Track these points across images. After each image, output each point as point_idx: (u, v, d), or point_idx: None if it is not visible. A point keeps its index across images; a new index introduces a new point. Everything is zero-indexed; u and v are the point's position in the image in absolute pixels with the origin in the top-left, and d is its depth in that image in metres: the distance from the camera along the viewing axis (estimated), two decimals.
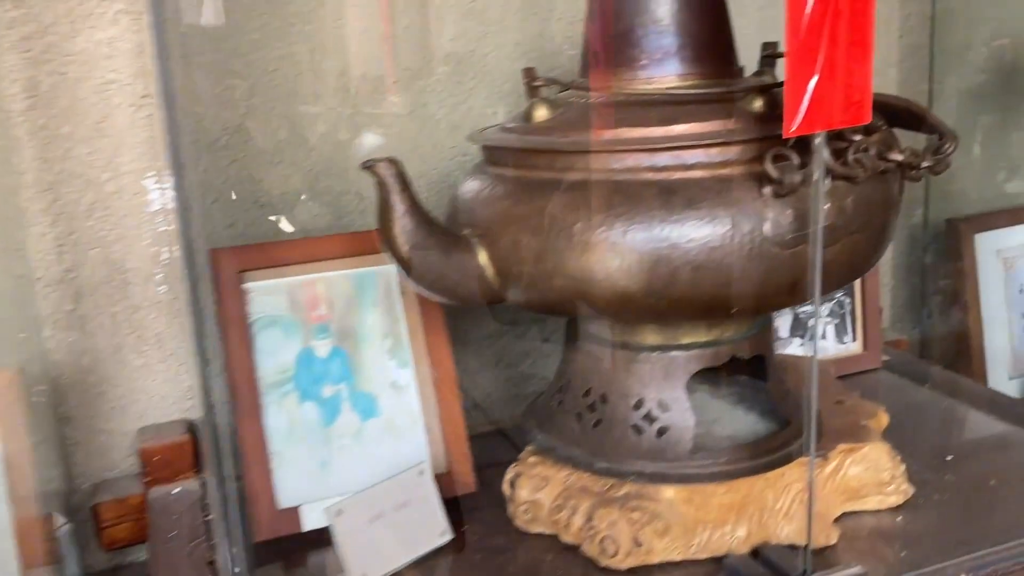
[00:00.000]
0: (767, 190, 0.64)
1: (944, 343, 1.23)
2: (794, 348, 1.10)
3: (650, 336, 0.76)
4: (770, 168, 0.63)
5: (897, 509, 0.81)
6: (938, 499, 0.83)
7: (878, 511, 0.81)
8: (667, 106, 0.69)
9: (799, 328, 1.11)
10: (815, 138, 0.62)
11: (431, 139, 1.00)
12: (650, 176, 0.66)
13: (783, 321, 1.10)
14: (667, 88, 0.72)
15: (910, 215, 1.24)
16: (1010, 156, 1.29)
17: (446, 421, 0.88)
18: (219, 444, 0.64)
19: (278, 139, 0.94)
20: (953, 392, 1.05)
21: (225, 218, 0.94)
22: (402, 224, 0.67)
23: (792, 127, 0.59)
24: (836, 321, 1.12)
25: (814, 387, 0.64)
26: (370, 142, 0.99)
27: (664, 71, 0.72)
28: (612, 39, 0.73)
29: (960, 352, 1.20)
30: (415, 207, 0.68)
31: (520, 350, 1.10)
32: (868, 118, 0.62)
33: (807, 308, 1.10)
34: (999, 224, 1.20)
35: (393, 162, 0.67)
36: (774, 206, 0.64)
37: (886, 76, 1.20)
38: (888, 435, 0.90)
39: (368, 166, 0.67)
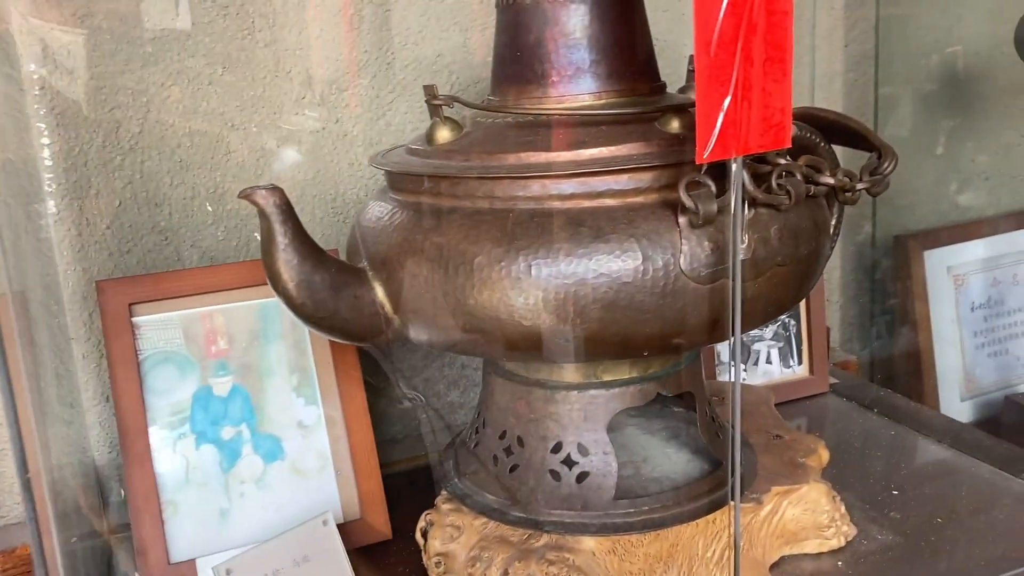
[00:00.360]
0: (682, 220, 0.59)
1: (894, 364, 1.18)
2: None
3: (568, 374, 0.70)
4: (684, 196, 0.57)
5: (838, 552, 0.76)
6: (881, 540, 0.78)
7: (818, 554, 0.76)
8: (577, 127, 0.64)
9: (744, 352, 1.06)
10: (733, 164, 0.56)
11: (347, 157, 0.94)
12: (556, 205, 0.60)
13: (723, 344, 1.04)
14: (579, 107, 0.66)
15: (858, 231, 1.20)
16: (961, 168, 1.25)
17: (358, 463, 0.81)
18: (35, 505, 0.57)
19: (178, 158, 0.88)
20: (902, 418, 1.01)
21: (120, 245, 0.87)
22: (285, 258, 0.61)
23: (705, 153, 0.53)
24: (781, 344, 1.07)
25: (736, 438, 0.59)
26: (284, 159, 0.93)
27: (577, 88, 0.67)
28: (520, 54, 0.67)
29: (911, 373, 1.15)
30: (300, 238, 0.62)
31: (449, 378, 1.04)
32: (788, 142, 0.57)
33: (753, 331, 1.06)
34: (949, 240, 1.16)
35: (274, 190, 0.61)
36: (690, 237, 0.59)
37: (831, 87, 1.16)
38: (833, 466, 0.86)
39: (246, 195, 0.61)
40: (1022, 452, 0.92)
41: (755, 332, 1.05)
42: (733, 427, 0.59)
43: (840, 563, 0.75)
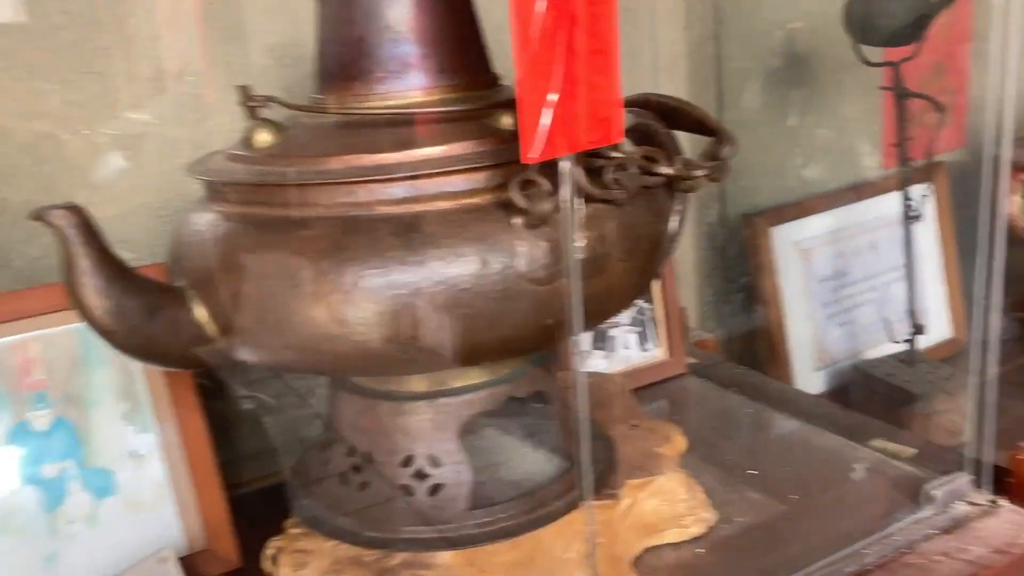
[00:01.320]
0: (517, 221, 0.56)
1: (750, 340, 1.21)
2: (598, 362, 1.04)
3: (415, 383, 0.67)
4: (516, 196, 0.55)
5: (699, 539, 0.76)
6: (741, 522, 0.79)
7: (680, 544, 0.76)
8: (406, 127, 0.61)
9: (602, 340, 1.05)
10: (564, 162, 0.54)
11: (172, 162, 0.87)
12: (386, 210, 0.57)
13: (584, 333, 1.04)
14: (408, 105, 0.63)
15: (708, 211, 1.21)
16: (804, 143, 1.28)
17: (201, 489, 0.76)
18: None
19: None
20: (757, 394, 1.02)
21: None
22: (91, 283, 0.56)
23: (530, 153, 0.51)
24: (639, 329, 1.07)
25: (586, 439, 0.57)
26: (104, 166, 0.86)
27: (404, 85, 0.63)
28: (343, 49, 0.64)
29: (766, 348, 1.18)
30: (105, 261, 0.56)
31: (304, 386, 0.99)
32: (620, 137, 0.55)
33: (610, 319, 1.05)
34: (795, 215, 1.19)
35: (72, 209, 0.55)
36: (527, 238, 0.57)
37: (675, 70, 1.16)
38: (693, 450, 0.86)
39: (38, 216, 0.55)
40: (867, 420, 0.95)
41: (614, 319, 1.05)
42: (579, 429, 0.58)
43: (702, 550, 0.75)
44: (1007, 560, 0.71)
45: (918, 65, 1.11)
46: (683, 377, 1.08)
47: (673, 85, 1.16)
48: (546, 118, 0.51)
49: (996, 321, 0.78)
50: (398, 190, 0.57)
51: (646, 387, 1.05)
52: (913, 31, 1.00)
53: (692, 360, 1.10)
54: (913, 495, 0.78)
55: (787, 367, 1.16)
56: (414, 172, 0.56)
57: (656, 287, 1.08)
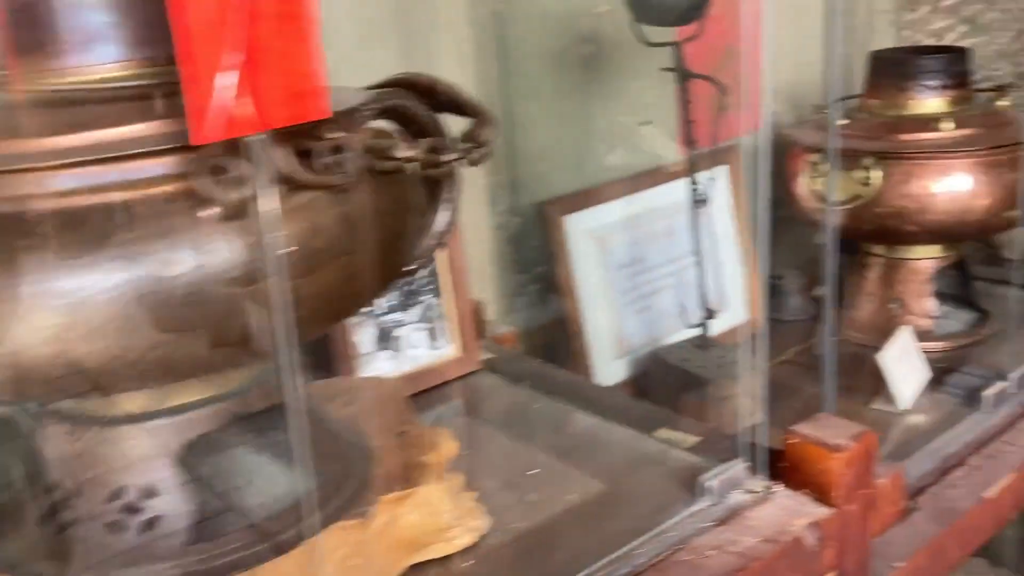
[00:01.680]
0: (209, 213, 0.49)
1: (548, 332, 1.17)
2: (383, 364, 0.98)
3: (124, 403, 0.58)
4: (204, 184, 0.47)
5: (471, 550, 0.71)
6: (516, 528, 0.74)
7: (447, 558, 0.70)
8: (84, 106, 0.52)
9: (387, 340, 0.99)
10: (256, 141, 0.47)
11: None
12: (48, 204, 0.48)
13: (366, 333, 0.97)
14: (96, 80, 0.54)
15: (500, 200, 1.17)
16: (602, 129, 1.26)
17: None
18: None
19: None
20: (550, 388, 0.98)
21: None
22: None
23: (203, 132, 0.44)
24: (428, 327, 1.01)
25: (307, 464, 0.50)
26: None
27: (93, 58, 0.54)
28: (13, 16, 0.54)
29: (565, 339, 1.15)
30: None
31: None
32: (325, 111, 0.49)
33: (394, 316, 0.99)
34: (589, 203, 1.16)
35: None
36: (223, 232, 0.49)
37: (462, 57, 1.10)
38: (474, 452, 0.81)
39: None
40: (657, 409, 0.92)
41: (396, 316, 0.99)
42: (301, 450, 0.51)
43: (471, 562, 0.70)
44: (777, 549, 0.69)
45: (712, 47, 1.10)
46: (477, 374, 1.03)
47: (461, 70, 1.10)
48: (223, 91, 0.44)
49: (764, 304, 0.76)
50: (65, 180, 0.48)
51: (437, 387, 1.00)
52: (691, 11, 0.98)
53: (490, 356, 1.06)
54: (691, 486, 0.76)
55: (586, 357, 1.13)
56: (69, 159, 0.47)
57: (446, 281, 1.03)
